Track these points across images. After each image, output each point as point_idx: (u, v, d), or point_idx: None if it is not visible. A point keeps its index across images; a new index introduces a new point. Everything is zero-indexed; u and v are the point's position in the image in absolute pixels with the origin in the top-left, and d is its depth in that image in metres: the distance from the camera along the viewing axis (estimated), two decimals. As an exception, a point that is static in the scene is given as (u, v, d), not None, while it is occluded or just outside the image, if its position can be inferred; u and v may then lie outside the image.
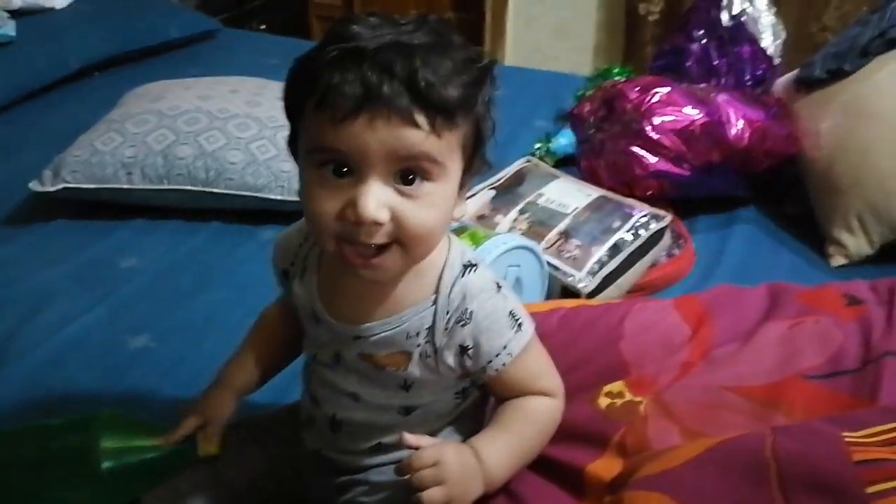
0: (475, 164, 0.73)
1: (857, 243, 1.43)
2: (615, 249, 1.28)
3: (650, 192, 1.49)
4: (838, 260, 1.44)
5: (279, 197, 1.51)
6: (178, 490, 0.90)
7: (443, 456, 0.74)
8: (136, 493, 0.86)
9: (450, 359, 0.78)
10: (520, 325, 0.78)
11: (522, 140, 1.86)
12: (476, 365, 0.78)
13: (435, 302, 0.76)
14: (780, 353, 0.87)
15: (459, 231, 1.21)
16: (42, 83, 1.99)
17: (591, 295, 1.24)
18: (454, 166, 0.70)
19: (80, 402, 1.12)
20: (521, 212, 1.35)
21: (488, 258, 1.13)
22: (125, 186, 1.50)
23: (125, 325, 1.27)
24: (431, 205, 0.69)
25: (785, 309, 0.93)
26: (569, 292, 1.25)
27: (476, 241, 1.18)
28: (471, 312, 0.75)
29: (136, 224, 1.54)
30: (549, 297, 1.26)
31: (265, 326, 0.95)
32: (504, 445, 0.79)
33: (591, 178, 1.53)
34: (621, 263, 1.28)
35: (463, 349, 0.77)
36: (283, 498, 0.94)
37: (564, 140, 1.75)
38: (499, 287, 0.78)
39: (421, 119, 0.66)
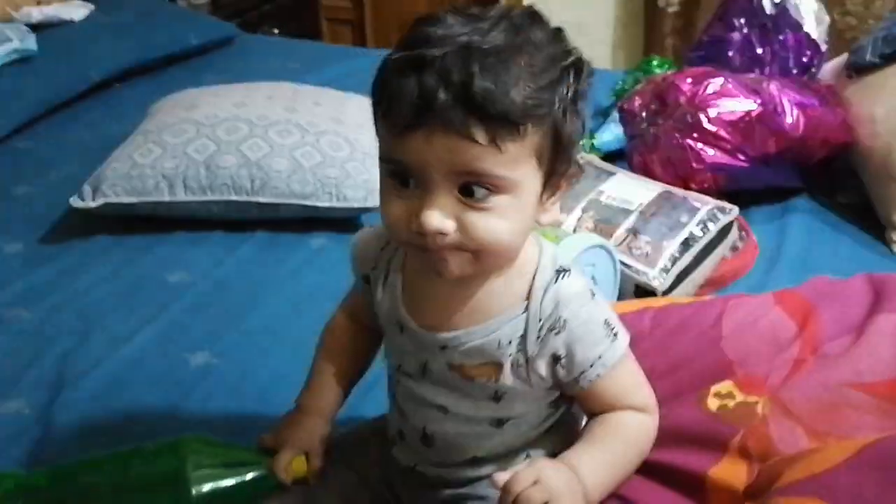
0: (560, 168, 0.68)
1: (920, 230, 1.41)
2: (686, 244, 1.25)
3: (706, 185, 1.46)
4: (902, 247, 1.42)
5: (327, 204, 1.47)
6: None
7: (542, 473, 0.68)
8: None
9: (542, 368, 0.74)
10: (615, 334, 0.74)
11: (562, 137, 1.83)
12: (569, 375, 0.74)
13: (527, 309, 0.72)
14: (899, 347, 0.83)
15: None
16: (64, 97, 1.95)
17: (666, 292, 1.21)
18: (527, 176, 0.65)
19: (147, 423, 1.09)
20: (584, 210, 1.32)
21: (568, 258, 1.09)
22: (167, 199, 1.46)
23: (182, 342, 1.23)
24: (501, 216, 0.65)
25: (894, 299, 0.90)
26: (642, 291, 1.22)
27: (548, 240, 1.14)
28: (564, 320, 0.71)
29: (178, 237, 1.50)
30: (621, 296, 1.23)
31: (336, 339, 0.90)
32: (599, 462, 0.74)
33: (644, 173, 1.49)
34: (694, 258, 1.24)
35: (556, 358, 0.73)
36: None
37: (609, 136, 1.72)
38: (593, 294, 0.74)
39: (479, 132, 0.62)
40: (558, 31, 0.68)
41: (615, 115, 1.80)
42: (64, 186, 1.56)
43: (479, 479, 0.82)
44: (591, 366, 0.73)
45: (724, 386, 0.86)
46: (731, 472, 0.77)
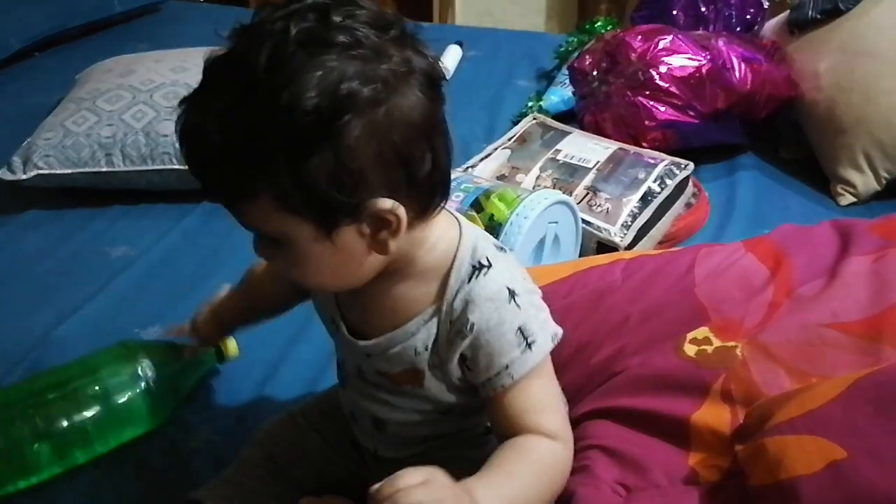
0: (340, 211, 0.60)
1: (864, 181, 1.44)
2: (645, 200, 1.25)
3: (657, 143, 1.47)
4: (847, 199, 1.45)
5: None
6: (243, 485, 0.84)
7: (434, 475, 0.61)
8: (174, 404, 0.98)
9: (455, 371, 0.70)
10: (529, 344, 0.67)
11: (509, 100, 1.82)
12: (475, 379, 0.69)
13: (437, 311, 0.68)
14: (872, 286, 0.84)
15: (487, 194, 1.15)
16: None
17: (628, 248, 1.21)
18: (290, 227, 0.61)
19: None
20: (542, 169, 1.31)
21: (532, 215, 1.08)
22: (105, 169, 1.38)
23: (132, 316, 1.17)
24: (294, 263, 0.64)
25: (861, 243, 0.92)
26: (603, 248, 1.21)
27: (507, 201, 1.13)
28: (471, 324, 0.66)
29: (117, 210, 1.43)
30: (583, 253, 1.22)
31: (252, 285, 0.93)
32: (503, 489, 0.65)
33: (595, 132, 1.48)
34: (653, 214, 1.25)
35: (463, 359, 0.69)
36: (349, 481, 0.87)
37: (556, 97, 1.72)
38: (513, 295, 0.67)
39: (221, 194, 0.63)
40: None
41: (560, 77, 1.80)
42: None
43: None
44: (497, 374, 0.67)
45: (700, 332, 0.86)
46: (714, 415, 0.77)
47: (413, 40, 0.62)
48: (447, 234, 0.69)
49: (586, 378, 0.85)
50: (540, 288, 0.91)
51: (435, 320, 0.68)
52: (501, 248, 0.71)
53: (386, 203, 0.60)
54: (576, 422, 0.81)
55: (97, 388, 0.93)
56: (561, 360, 0.89)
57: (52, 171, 1.35)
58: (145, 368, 0.96)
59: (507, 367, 0.67)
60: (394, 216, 0.61)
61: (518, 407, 0.68)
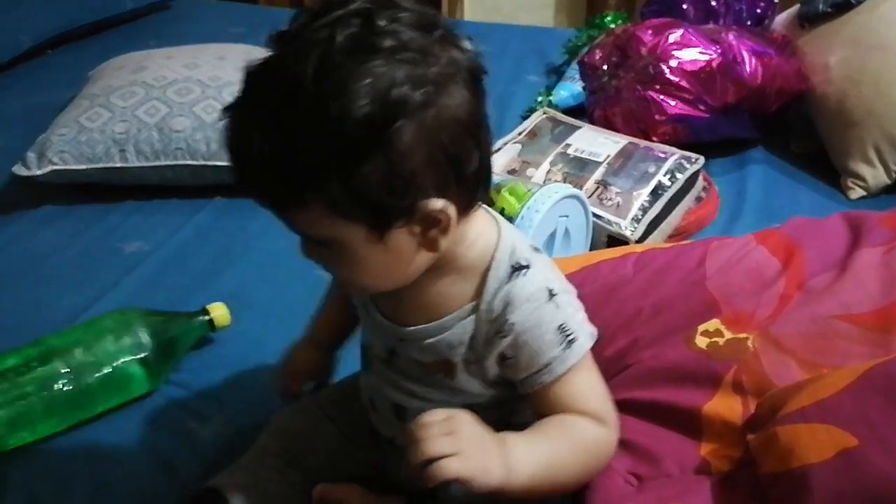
0: (393, 212, 0.60)
1: (874, 174, 1.44)
2: (656, 194, 1.25)
3: (667, 138, 1.47)
4: (857, 192, 1.45)
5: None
6: (258, 474, 0.85)
7: (456, 416, 0.62)
8: (168, 369, 1.03)
9: (493, 368, 0.71)
10: (570, 341, 0.67)
11: (518, 96, 1.82)
12: (515, 376, 0.70)
13: (476, 309, 0.69)
14: (883, 279, 0.85)
15: (498, 188, 1.15)
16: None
17: (638, 242, 1.21)
18: (341, 231, 0.61)
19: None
20: (552, 164, 1.31)
21: (542, 209, 1.09)
22: (119, 165, 1.39)
23: (147, 311, 1.18)
24: (345, 264, 0.65)
25: (872, 235, 0.92)
26: (614, 241, 1.22)
27: (518, 195, 1.13)
28: (511, 324, 0.67)
29: (130, 206, 1.43)
30: (593, 247, 1.22)
31: (339, 296, 0.89)
32: (537, 451, 0.66)
33: (605, 126, 1.49)
34: (663, 208, 1.25)
35: (503, 357, 0.70)
36: (364, 470, 0.88)
37: (565, 92, 1.72)
38: (551, 295, 0.67)
39: (269, 202, 0.62)
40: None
41: (570, 72, 1.80)
42: (0, 156, 1.48)
43: None
44: (537, 372, 0.68)
45: (712, 324, 0.87)
46: (726, 406, 0.78)
47: (455, 37, 0.62)
48: (486, 231, 0.69)
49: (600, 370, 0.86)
50: None
51: (472, 318, 0.69)
52: (537, 249, 0.71)
53: (437, 203, 0.61)
54: None
55: (98, 353, 0.97)
56: None
57: (67, 167, 1.36)
58: (143, 335, 1.00)
59: (547, 364, 0.67)
60: (444, 215, 0.62)
61: (562, 399, 0.69)
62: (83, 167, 1.38)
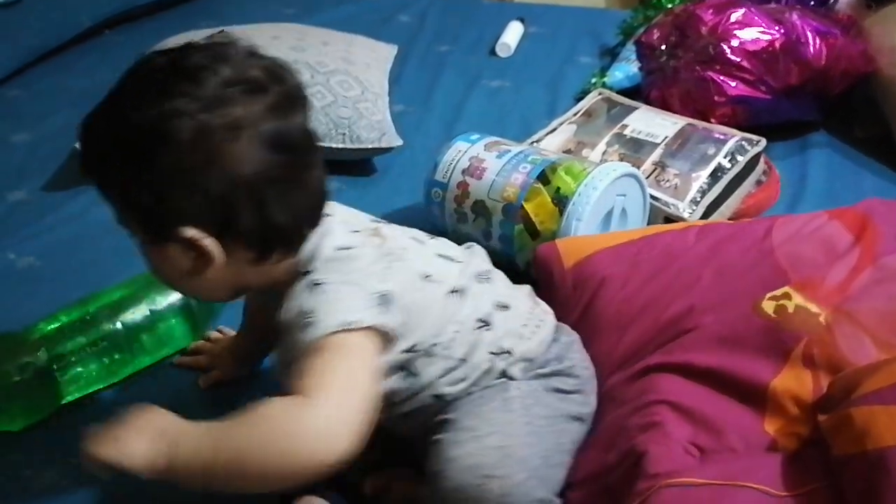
0: (160, 228, 0.69)
1: (943, 159, 1.39)
2: (715, 176, 1.22)
3: (725, 119, 1.44)
4: (924, 178, 1.41)
5: (340, 145, 1.43)
6: None
7: (131, 417, 0.66)
8: (208, 324, 1.08)
9: None
10: (307, 324, 0.67)
11: (570, 77, 1.80)
12: None
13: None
14: (960, 261, 0.82)
15: (554, 167, 1.14)
16: (54, 43, 1.88)
17: (697, 224, 1.19)
18: (135, 227, 0.71)
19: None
20: (609, 144, 1.29)
21: (601, 186, 1.07)
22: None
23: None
24: (149, 260, 0.74)
25: (948, 218, 0.89)
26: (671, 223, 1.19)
27: (574, 174, 1.12)
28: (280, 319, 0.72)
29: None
30: (650, 229, 1.20)
31: (253, 320, 0.97)
32: (208, 425, 0.65)
33: (661, 108, 1.46)
34: (723, 190, 1.22)
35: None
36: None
37: (620, 73, 1.70)
38: (314, 285, 0.69)
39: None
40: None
41: (624, 53, 1.77)
42: (63, 134, 1.51)
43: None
44: (293, 357, 0.68)
45: (780, 291, 0.83)
46: (796, 381, 0.75)
47: (285, 102, 0.69)
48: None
49: (655, 333, 0.85)
50: (607, 248, 0.91)
51: None
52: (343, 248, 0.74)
53: (189, 232, 0.67)
54: (642, 373, 0.80)
55: (145, 307, 1.01)
56: (628, 316, 0.89)
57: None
58: None
59: (293, 347, 0.68)
60: (199, 246, 0.68)
61: (292, 378, 0.66)
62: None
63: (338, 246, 0.73)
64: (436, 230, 1.25)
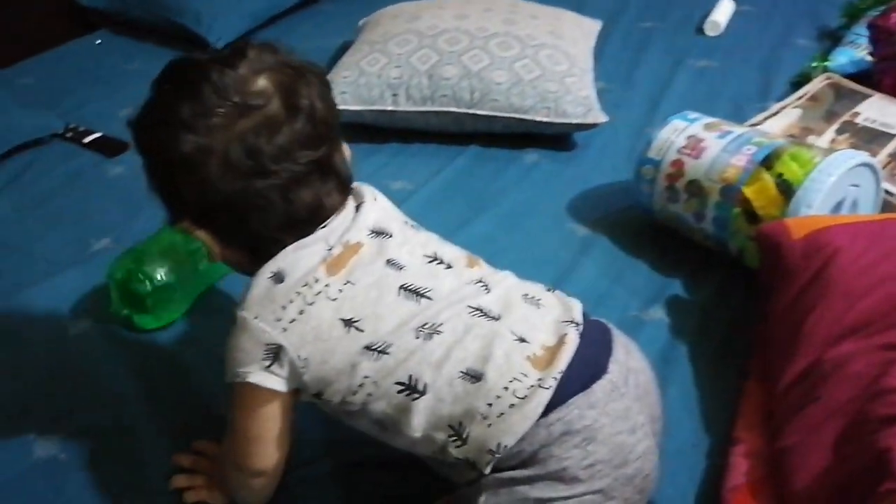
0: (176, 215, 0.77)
1: None
2: (961, 172, 1.13)
3: (970, 111, 1.31)
4: None
5: (545, 119, 1.44)
6: None
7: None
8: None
9: None
10: (225, 359, 0.75)
11: (785, 60, 1.71)
12: None
13: None
14: None
15: (779, 152, 1.08)
16: (275, 10, 2.01)
17: (936, 223, 1.10)
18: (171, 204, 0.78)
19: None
20: (838, 132, 1.22)
21: (836, 173, 1.01)
22: (390, 108, 1.47)
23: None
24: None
25: None
26: (905, 220, 1.11)
27: (801, 161, 1.06)
28: None
29: (393, 147, 1.51)
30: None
31: None
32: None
33: (894, 96, 1.36)
34: (969, 188, 1.12)
35: None
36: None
37: (844, 58, 1.59)
38: (238, 312, 0.74)
39: None
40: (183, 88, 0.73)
41: (850, 36, 1.66)
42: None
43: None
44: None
45: None
46: None
47: (280, 121, 0.71)
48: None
49: (890, 308, 0.79)
50: (843, 224, 0.86)
51: None
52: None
53: (184, 223, 0.75)
54: (880, 349, 0.76)
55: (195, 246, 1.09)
56: (864, 285, 0.85)
57: (346, 107, 1.46)
58: None
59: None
60: (192, 229, 0.76)
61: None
62: (359, 108, 1.47)
63: (272, 272, 0.73)
64: (641, 209, 1.23)
